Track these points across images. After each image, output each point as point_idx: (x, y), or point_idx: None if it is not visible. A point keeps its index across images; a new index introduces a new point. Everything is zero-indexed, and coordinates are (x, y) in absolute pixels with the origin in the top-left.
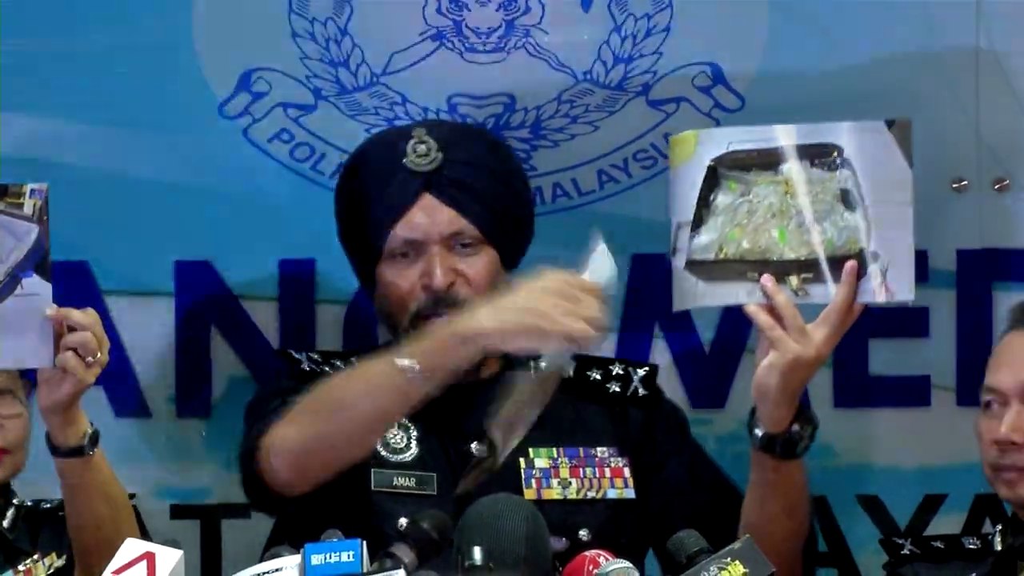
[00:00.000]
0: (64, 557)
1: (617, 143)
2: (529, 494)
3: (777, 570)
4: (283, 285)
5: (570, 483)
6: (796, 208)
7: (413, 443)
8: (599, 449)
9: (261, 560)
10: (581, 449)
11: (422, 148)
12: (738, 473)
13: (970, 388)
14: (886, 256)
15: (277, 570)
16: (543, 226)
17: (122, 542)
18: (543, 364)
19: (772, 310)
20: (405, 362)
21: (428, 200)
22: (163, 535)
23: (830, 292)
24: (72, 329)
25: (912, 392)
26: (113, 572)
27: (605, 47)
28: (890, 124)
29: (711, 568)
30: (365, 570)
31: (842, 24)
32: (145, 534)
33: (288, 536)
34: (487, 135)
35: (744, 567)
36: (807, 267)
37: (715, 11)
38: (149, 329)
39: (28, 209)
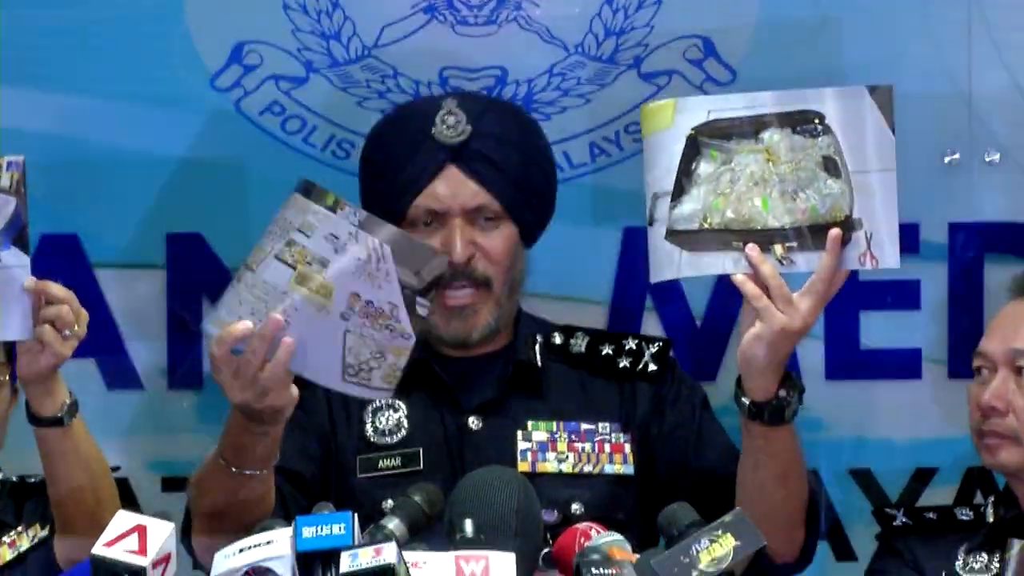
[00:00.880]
0: (47, 528)
1: (609, 116)
2: (523, 467)
3: (778, 538)
4: None
5: (567, 457)
6: (778, 176)
7: (403, 421)
8: (602, 425)
9: (252, 533)
10: (582, 424)
11: (451, 119)
12: None
13: (961, 361)
14: (870, 223)
15: (268, 543)
16: None
17: (102, 510)
18: None
19: (758, 279)
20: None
21: (453, 172)
22: (155, 508)
23: (815, 260)
24: (49, 302)
25: (904, 365)
26: (104, 544)
27: (596, 20)
28: (872, 90)
29: (702, 540)
30: (356, 543)
31: None
32: (136, 507)
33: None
34: (519, 111)
35: (735, 539)
36: (791, 235)
37: None
38: (140, 302)
39: (5, 182)
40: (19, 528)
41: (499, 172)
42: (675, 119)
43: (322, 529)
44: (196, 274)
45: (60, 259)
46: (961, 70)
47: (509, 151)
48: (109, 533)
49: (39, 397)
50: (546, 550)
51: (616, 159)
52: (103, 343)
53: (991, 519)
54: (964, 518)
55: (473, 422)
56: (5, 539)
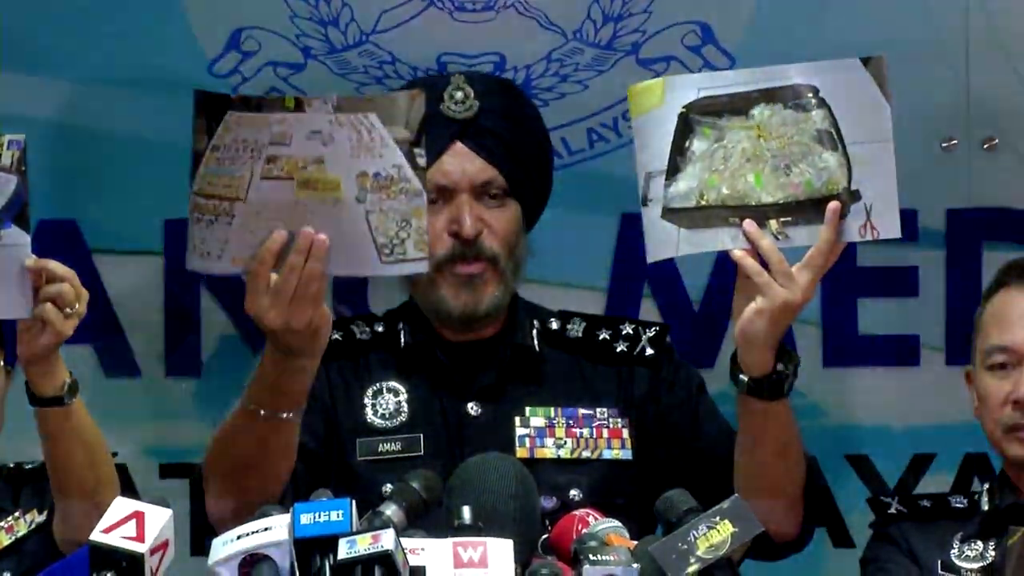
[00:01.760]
0: (45, 513)
1: (607, 102)
2: (522, 453)
3: (777, 515)
4: None
5: (565, 443)
6: (770, 151)
7: (403, 405)
8: (599, 410)
9: (251, 520)
10: (580, 409)
11: (459, 95)
12: None
13: (959, 348)
14: (869, 194)
15: (266, 529)
16: None
17: (103, 491)
18: None
19: (756, 254)
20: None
21: (460, 148)
22: (152, 494)
23: (813, 234)
24: (50, 280)
25: (901, 352)
26: (102, 530)
27: (595, 6)
28: (865, 61)
29: (700, 527)
30: (354, 529)
31: None
32: (134, 493)
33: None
34: (522, 93)
35: (733, 526)
36: (786, 210)
37: None
38: (138, 288)
39: (6, 160)
40: (16, 514)
41: (506, 148)
42: (665, 98)
43: (320, 516)
44: None
45: (59, 245)
46: (959, 57)
47: (515, 128)
48: (107, 519)
49: (39, 377)
50: (544, 536)
51: (614, 145)
52: (101, 329)
53: (986, 507)
54: (959, 506)
55: (472, 408)
56: (2, 525)
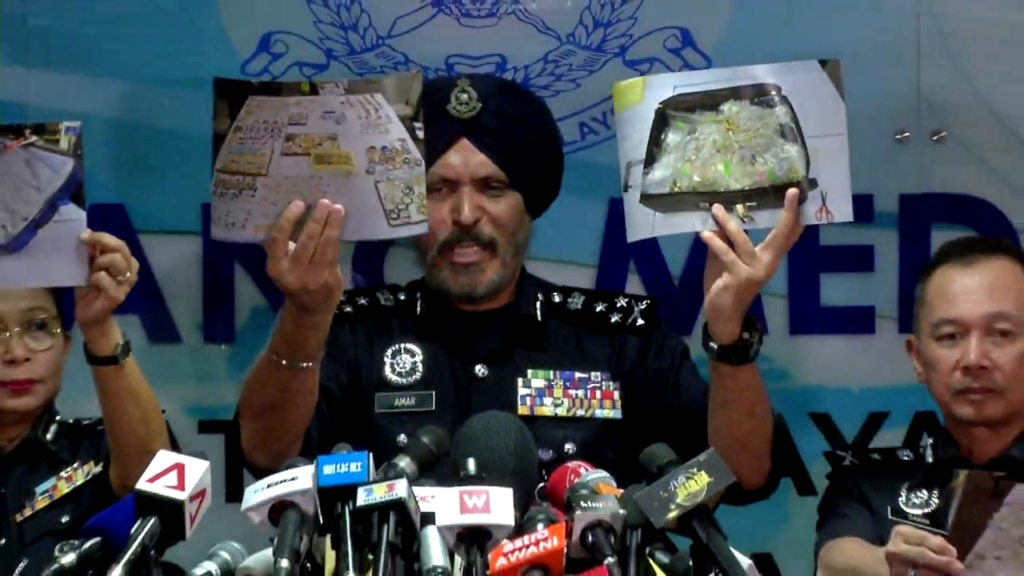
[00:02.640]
0: (100, 464)
1: (597, 99)
2: (523, 411)
3: (747, 466)
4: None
5: (562, 402)
6: (738, 143)
7: (419, 365)
8: (594, 374)
9: (279, 471)
10: (576, 373)
11: (464, 97)
12: None
13: (910, 318)
14: (825, 182)
15: (293, 479)
16: None
17: (153, 440)
18: None
19: (724, 236)
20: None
21: (464, 144)
22: (192, 448)
23: (774, 217)
24: (104, 251)
25: (859, 321)
26: (147, 480)
27: (586, 12)
28: (823, 63)
29: (679, 477)
30: (371, 479)
31: None
32: (176, 446)
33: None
34: (528, 95)
35: (709, 476)
36: (751, 196)
37: None
38: (179, 264)
39: (64, 144)
40: (75, 465)
41: (506, 146)
42: (644, 95)
43: (341, 467)
44: None
45: (108, 226)
46: (911, 59)
47: (515, 128)
48: (151, 470)
49: (96, 338)
50: (541, 485)
51: (603, 137)
52: (145, 301)
53: (930, 460)
54: (906, 459)
55: (480, 370)
56: (62, 474)
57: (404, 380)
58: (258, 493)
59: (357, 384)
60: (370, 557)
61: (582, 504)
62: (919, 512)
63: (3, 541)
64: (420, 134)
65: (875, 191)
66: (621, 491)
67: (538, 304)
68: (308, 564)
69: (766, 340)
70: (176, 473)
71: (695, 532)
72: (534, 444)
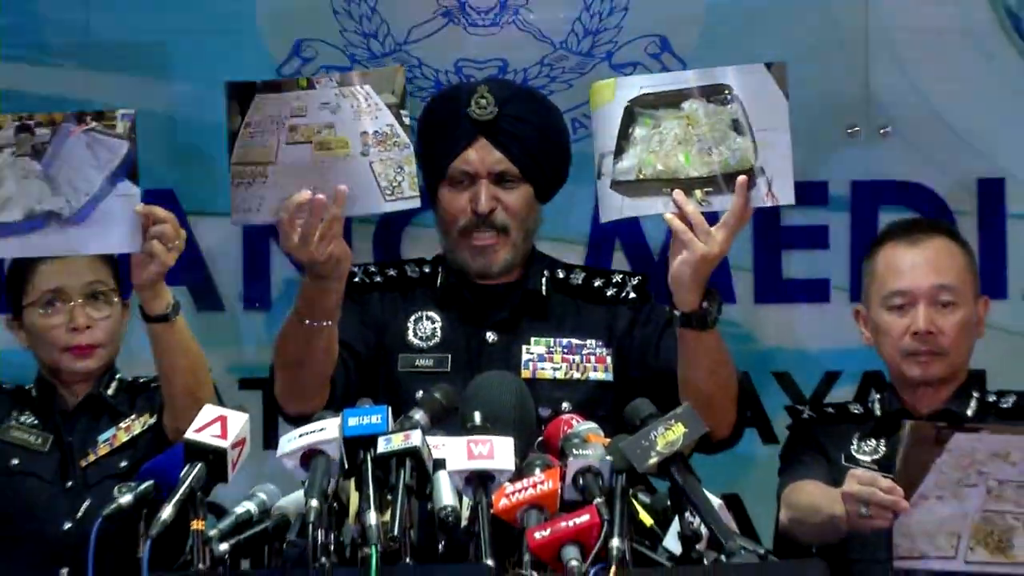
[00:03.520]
0: (155, 416)
1: (586, 98)
2: (525, 373)
3: (714, 419)
4: None
5: (560, 366)
6: (697, 136)
7: (438, 331)
8: (590, 341)
9: (309, 422)
10: (574, 340)
11: (483, 102)
12: None
13: (861, 289)
14: (771, 170)
15: (321, 429)
16: None
17: (201, 390)
18: None
19: (683, 217)
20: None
21: (483, 143)
22: (234, 402)
23: (728, 201)
24: (156, 222)
25: (815, 291)
26: (194, 431)
27: (577, 22)
28: (769, 66)
29: (659, 428)
30: (390, 430)
31: (762, 4)
32: (220, 401)
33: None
34: (542, 99)
35: (684, 427)
36: (707, 182)
37: None
38: (222, 242)
39: (120, 129)
40: (132, 416)
41: (519, 146)
42: (615, 94)
43: (364, 419)
44: None
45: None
46: (860, 62)
47: (528, 129)
48: (198, 422)
49: (150, 300)
50: (539, 438)
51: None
52: (193, 274)
53: (878, 413)
54: (856, 412)
55: (490, 336)
56: (122, 425)
57: (424, 344)
58: (291, 442)
59: (382, 345)
60: (389, 498)
61: (574, 452)
62: (869, 459)
63: (70, 483)
64: (406, 120)
65: (829, 178)
66: (608, 440)
67: (544, 279)
68: (335, 504)
69: (735, 308)
70: (220, 424)
71: (673, 476)
72: (532, 400)
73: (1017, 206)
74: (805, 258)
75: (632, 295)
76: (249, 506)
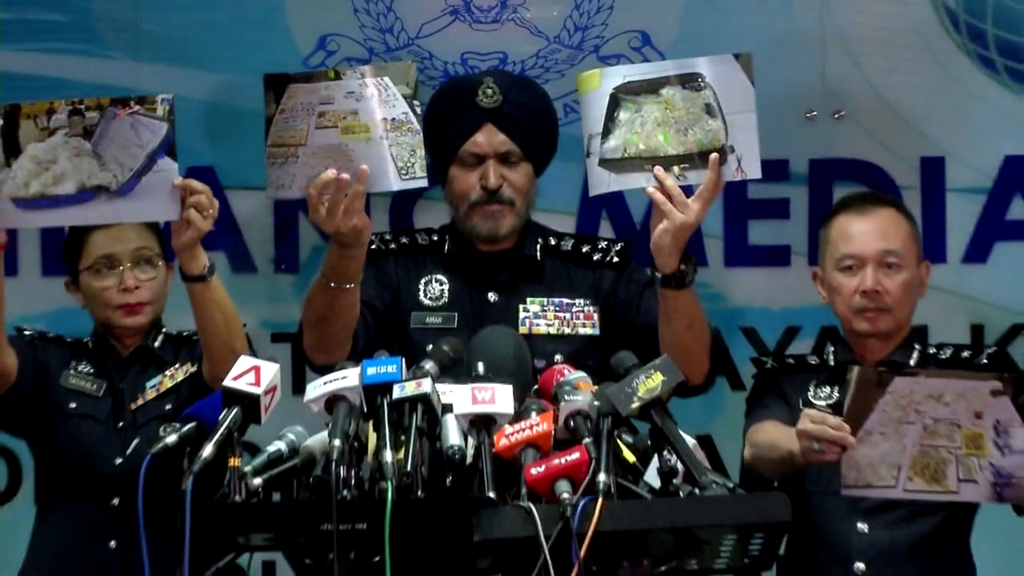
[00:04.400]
0: (196, 365)
1: (575, 86)
2: (522, 329)
3: (690, 368)
4: None
5: (553, 323)
6: (674, 119)
7: (445, 292)
8: (579, 300)
9: (333, 371)
10: (565, 299)
11: (489, 92)
12: None
13: (816, 255)
14: (739, 148)
15: (344, 377)
16: None
17: (235, 342)
18: None
19: (663, 191)
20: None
21: (489, 127)
22: (266, 354)
23: (702, 176)
24: (192, 193)
25: (777, 256)
26: (231, 379)
27: (568, 19)
28: (737, 57)
29: (640, 376)
30: (404, 378)
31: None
32: (253, 352)
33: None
34: (536, 86)
35: (663, 375)
36: (684, 160)
37: None
38: (255, 212)
39: (160, 112)
40: (176, 365)
41: (521, 128)
42: (602, 83)
43: (380, 369)
44: None
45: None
46: (817, 54)
47: (528, 114)
48: (234, 371)
49: (188, 262)
50: (535, 386)
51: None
52: (229, 240)
53: (832, 363)
54: (813, 362)
55: (491, 297)
56: (167, 373)
57: (433, 303)
58: (317, 388)
59: (397, 304)
60: (402, 438)
61: (565, 397)
62: (824, 403)
63: (121, 424)
64: (418, 109)
65: (790, 156)
66: (596, 387)
67: (538, 246)
68: (355, 444)
69: (706, 271)
70: (254, 373)
71: (652, 419)
72: (528, 352)
73: (955, 181)
74: (768, 227)
75: (615, 259)
76: (280, 445)
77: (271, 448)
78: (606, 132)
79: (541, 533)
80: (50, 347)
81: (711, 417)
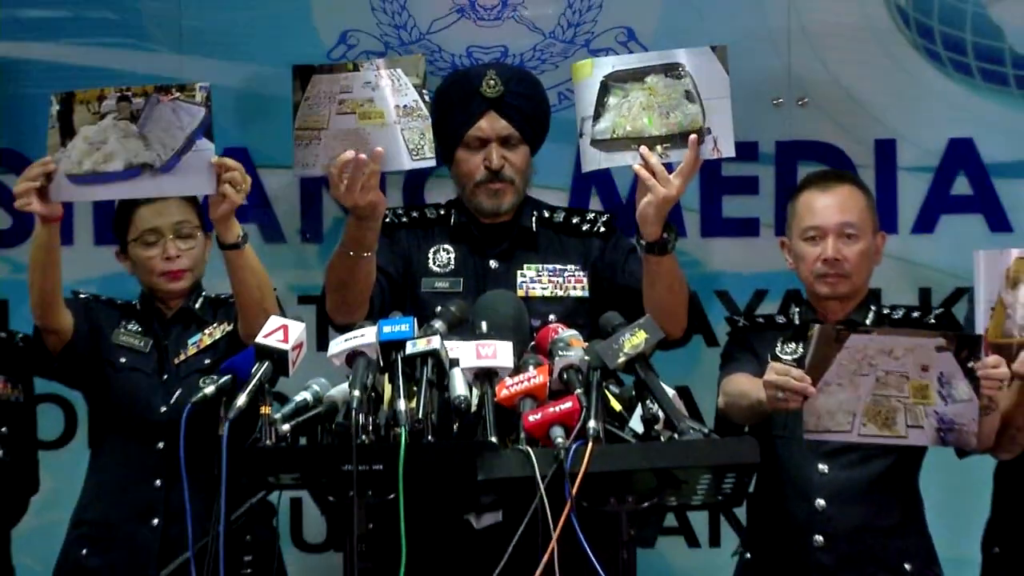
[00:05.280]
0: (232, 325)
1: (569, 76)
2: (521, 292)
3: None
4: None
5: (547, 286)
6: (658, 104)
7: (452, 260)
8: (570, 266)
9: (352, 330)
10: (558, 265)
11: (492, 82)
12: None
13: (784, 225)
14: (715, 130)
15: (362, 335)
16: None
17: (267, 304)
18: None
19: (648, 168)
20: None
21: (492, 115)
22: (293, 314)
23: (682, 154)
24: (227, 170)
25: (748, 227)
26: (263, 336)
27: (562, 17)
28: (713, 48)
29: (625, 334)
30: (415, 335)
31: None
32: (282, 313)
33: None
34: (533, 77)
35: (646, 333)
36: (667, 140)
37: None
38: (284, 188)
39: (199, 97)
40: (214, 324)
41: (520, 115)
42: (593, 72)
43: (395, 327)
44: None
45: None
46: (784, 47)
47: (526, 102)
48: (265, 329)
49: (223, 231)
50: (532, 342)
51: (574, 102)
52: (261, 213)
53: (797, 322)
54: (781, 321)
55: (492, 263)
56: (206, 331)
57: (441, 270)
58: (338, 345)
59: (409, 271)
60: (414, 389)
61: (559, 353)
62: (789, 358)
63: (165, 376)
64: (427, 98)
65: (759, 139)
66: (586, 344)
67: (533, 218)
68: (372, 394)
69: (684, 241)
70: (283, 331)
71: (637, 372)
72: (526, 312)
73: (905, 161)
74: (740, 201)
75: (602, 229)
76: (306, 395)
77: (298, 398)
78: (597, 115)
79: (537, 473)
80: (102, 308)
81: (689, 370)
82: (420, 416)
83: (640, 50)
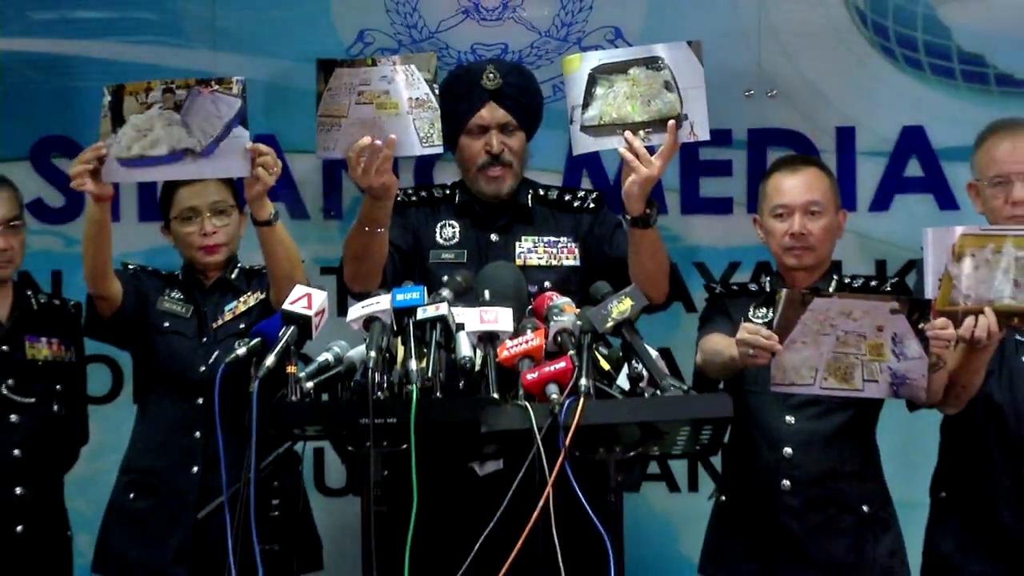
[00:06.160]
0: (264, 293)
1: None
2: (519, 262)
3: (653, 291)
4: None
5: (543, 257)
6: (640, 93)
7: (457, 234)
8: (563, 238)
9: (369, 298)
10: (552, 238)
11: (491, 75)
12: None
13: (755, 204)
14: (692, 116)
15: (377, 302)
16: None
17: (294, 270)
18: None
19: (632, 150)
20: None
21: (491, 105)
22: (316, 283)
23: (662, 138)
24: (260, 155)
25: (723, 205)
26: (289, 303)
27: (556, 17)
28: (689, 43)
29: (613, 301)
30: (425, 302)
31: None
32: (307, 282)
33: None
34: (528, 71)
35: (632, 300)
36: (648, 125)
37: None
38: (309, 170)
39: (235, 90)
40: (248, 293)
41: (518, 105)
42: (582, 65)
43: (407, 295)
44: None
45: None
46: (755, 44)
47: (522, 93)
48: (291, 297)
49: (257, 209)
50: (529, 308)
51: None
52: (288, 193)
53: (768, 289)
54: (753, 288)
55: (493, 237)
56: (241, 299)
57: (447, 243)
58: (356, 311)
59: (418, 244)
60: (425, 351)
61: (554, 318)
62: (760, 322)
63: (205, 339)
64: (436, 91)
65: (732, 127)
66: (578, 310)
67: (529, 196)
68: (387, 355)
69: (665, 217)
70: (307, 299)
71: (623, 335)
72: (524, 281)
73: (863, 146)
74: (716, 182)
75: (592, 205)
76: (327, 356)
77: (320, 358)
78: (586, 104)
79: (535, 425)
80: (148, 278)
81: (670, 334)
82: (430, 375)
83: (626, 47)
